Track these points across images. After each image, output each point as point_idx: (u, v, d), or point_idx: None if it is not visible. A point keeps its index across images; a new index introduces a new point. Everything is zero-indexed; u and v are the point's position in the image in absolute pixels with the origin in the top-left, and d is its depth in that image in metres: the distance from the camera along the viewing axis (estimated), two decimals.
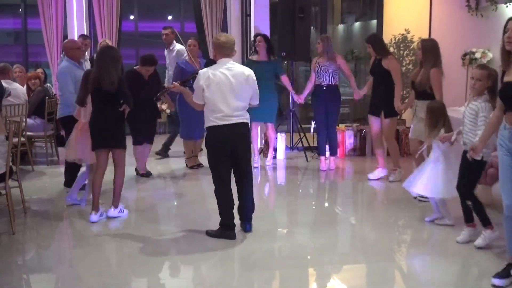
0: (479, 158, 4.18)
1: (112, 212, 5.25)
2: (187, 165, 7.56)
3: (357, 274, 4.15)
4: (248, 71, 4.64)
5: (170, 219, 5.46)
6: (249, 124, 4.71)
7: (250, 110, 4.74)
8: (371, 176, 6.89)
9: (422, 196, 5.51)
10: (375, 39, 6.79)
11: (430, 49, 5.74)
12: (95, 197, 5.16)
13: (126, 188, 5.82)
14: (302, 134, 8.30)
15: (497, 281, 3.74)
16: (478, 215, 4.47)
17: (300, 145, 8.45)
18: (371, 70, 6.83)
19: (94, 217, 5.11)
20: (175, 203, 6.12)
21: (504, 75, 3.63)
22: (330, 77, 7.09)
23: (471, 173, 4.40)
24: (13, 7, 11.41)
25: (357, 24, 11.39)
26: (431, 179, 4.94)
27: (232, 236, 4.61)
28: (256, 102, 4.76)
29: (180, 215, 5.63)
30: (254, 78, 4.66)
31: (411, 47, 8.38)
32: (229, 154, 4.57)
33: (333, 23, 11.52)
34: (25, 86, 7.95)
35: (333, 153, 7.45)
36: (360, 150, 8.46)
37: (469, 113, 4.41)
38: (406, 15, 8.75)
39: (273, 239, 4.76)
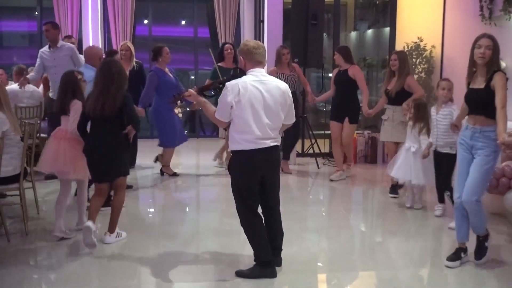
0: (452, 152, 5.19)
1: (109, 239, 4.68)
2: (163, 173, 7.39)
3: (366, 282, 4.16)
4: (284, 85, 3.95)
5: (179, 226, 5.49)
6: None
7: None
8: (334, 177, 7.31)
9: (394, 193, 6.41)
10: (346, 50, 7.31)
11: (404, 60, 6.46)
12: (93, 214, 4.55)
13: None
14: (313, 140, 8.31)
15: (450, 264, 4.28)
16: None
17: (311, 151, 8.47)
18: (335, 80, 7.30)
19: (89, 222, 4.47)
20: (187, 209, 6.16)
21: (470, 83, 4.33)
22: (295, 85, 7.54)
23: (445, 163, 5.37)
24: (29, 10, 11.54)
25: (369, 31, 11.39)
26: (408, 166, 5.72)
27: (274, 274, 4.00)
28: (291, 121, 4.09)
29: (191, 220, 5.68)
30: (290, 93, 4.01)
31: (424, 55, 8.38)
32: (259, 181, 3.96)
33: (346, 30, 11.53)
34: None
35: (285, 157, 7.76)
36: (371, 157, 8.46)
37: (442, 118, 5.34)
38: (419, 23, 8.74)
39: (283, 244, 4.75)
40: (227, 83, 3.87)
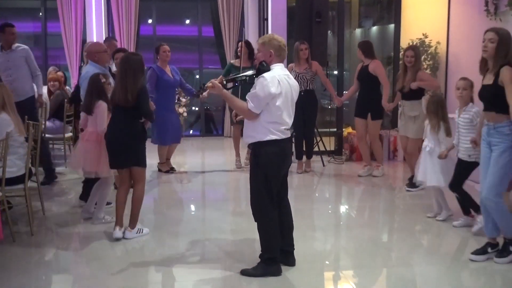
0: (472, 159, 4.92)
1: (129, 234, 4.80)
2: (160, 170, 7.59)
3: (373, 280, 4.13)
4: (296, 84, 4.04)
5: (184, 225, 5.48)
6: None
7: None
8: (362, 173, 7.37)
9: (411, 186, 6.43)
10: (364, 44, 7.32)
11: (420, 55, 6.58)
12: (118, 212, 4.84)
13: None
14: (318, 138, 8.29)
15: (474, 257, 4.29)
16: (460, 205, 5.13)
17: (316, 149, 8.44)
18: (358, 75, 7.26)
19: (117, 233, 4.78)
20: (190, 208, 6.16)
21: (483, 79, 4.25)
22: (308, 83, 7.38)
23: (462, 170, 5.02)
24: (33, 11, 11.57)
25: (374, 28, 11.34)
26: (428, 168, 5.35)
27: (279, 271, 4.01)
28: None
29: (195, 219, 5.67)
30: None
31: (429, 51, 8.33)
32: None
33: (351, 27, 11.49)
34: (46, 88, 8.05)
35: (309, 156, 7.75)
36: None
37: (463, 123, 4.97)
38: (424, 19, 8.69)
39: None
40: (264, 75, 3.80)
